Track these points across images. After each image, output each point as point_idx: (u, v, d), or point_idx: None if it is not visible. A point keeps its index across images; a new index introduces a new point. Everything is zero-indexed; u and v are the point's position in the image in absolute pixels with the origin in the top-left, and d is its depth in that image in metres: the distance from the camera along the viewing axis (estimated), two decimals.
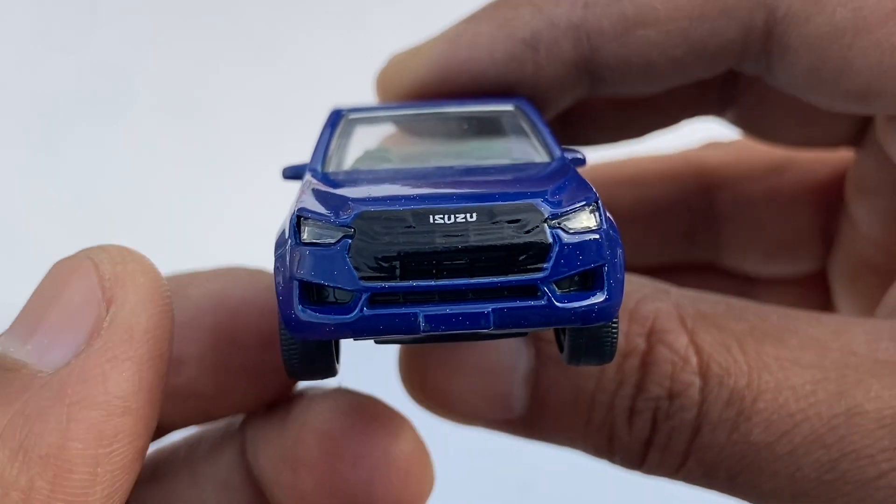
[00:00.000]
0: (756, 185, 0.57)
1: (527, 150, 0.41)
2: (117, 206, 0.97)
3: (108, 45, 1.11)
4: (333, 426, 0.41)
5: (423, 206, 0.33)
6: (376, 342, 0.38)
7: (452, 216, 0.32)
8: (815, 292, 0.57)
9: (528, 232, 0.33)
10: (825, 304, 0.57)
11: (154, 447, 0.45)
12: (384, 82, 0.47)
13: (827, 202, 0.55)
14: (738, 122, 0.54)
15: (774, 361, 0.40)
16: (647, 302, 0.42)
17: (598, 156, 0.57)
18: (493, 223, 0.33)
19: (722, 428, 0.40)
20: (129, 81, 1.08)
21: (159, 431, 0.43)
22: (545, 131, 0.42)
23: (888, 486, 0.39)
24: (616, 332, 0.36)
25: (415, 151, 0.43)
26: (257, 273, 0.42)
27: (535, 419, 0.43)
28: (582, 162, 0.40)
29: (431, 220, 0.32)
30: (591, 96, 0.46)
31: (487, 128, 0.43)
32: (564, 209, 0.33)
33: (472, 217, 0.33)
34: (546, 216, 0.33)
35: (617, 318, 0.36)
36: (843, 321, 0.42)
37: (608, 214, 0.35)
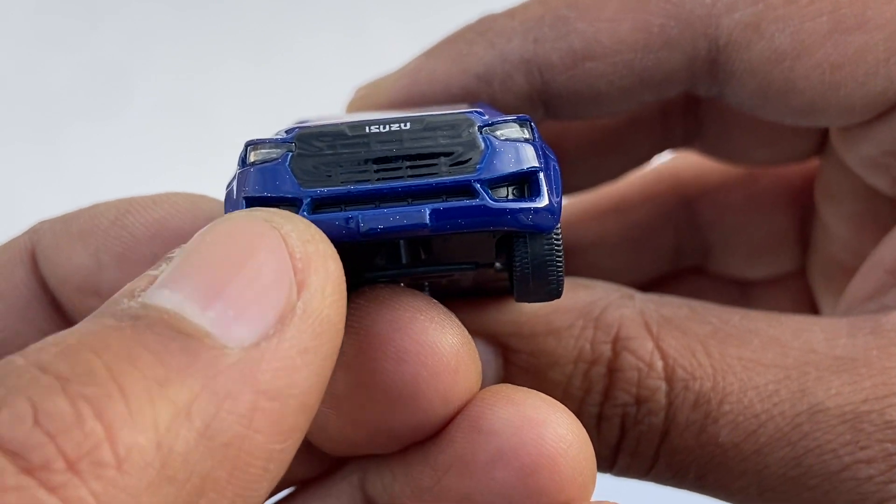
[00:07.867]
0: (734, 192, 0.58)
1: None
2: None
3: (107, 44, 1.11)
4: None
5: (359, 120, 0.35)
6: None
7: (388, 126, 0.34)
8: (803, 291, 0.58)
9: (460, 137, 0.34)
10: (812, 302, 0.58)
11: None
12: (353, 112, 0.49)
13: (801, 206, 0.56)
14: (706, 150, 0.55)
15: (738, 362, 0.42)
16: (611, 310, 0.43)
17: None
18: (427, 131, 0.34)
19: (690, 431, 0.42)
20: (129, 79, 1.09)
21: None
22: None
23: (851, 478, 0.40)
24: (561, 264, 0.36)
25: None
26: (197, 199, 0.41)
27: None
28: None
29: (367, 130, 0.34)
30: (547, 119, 0.48)
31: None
32: (496, 121, 0.35)
33: (405, 126, 0.34)
34: (478, 124, 0.35)
35: (559, 242, 0.36)
36: (802, 320, 0.43)
37: (544, 142, 0.36)
